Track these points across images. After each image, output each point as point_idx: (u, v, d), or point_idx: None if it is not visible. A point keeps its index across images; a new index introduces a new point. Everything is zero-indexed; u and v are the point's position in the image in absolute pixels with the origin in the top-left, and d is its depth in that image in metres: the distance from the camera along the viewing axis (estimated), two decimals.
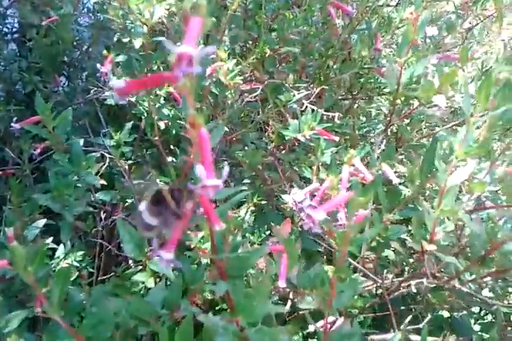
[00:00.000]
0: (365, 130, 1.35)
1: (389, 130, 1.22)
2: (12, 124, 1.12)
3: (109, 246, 1.20)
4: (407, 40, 0.95)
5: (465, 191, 0.95)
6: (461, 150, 0.63)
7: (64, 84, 1.70)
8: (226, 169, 0.51)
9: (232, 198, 0.67)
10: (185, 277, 0.84)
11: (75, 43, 1.87)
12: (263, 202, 1.36)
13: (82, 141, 1.13)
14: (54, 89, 1.69)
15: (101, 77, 1.20)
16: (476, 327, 1.38)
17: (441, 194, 0.73)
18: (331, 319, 1.01)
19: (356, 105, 1.37)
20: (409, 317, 1.08)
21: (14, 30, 2.01)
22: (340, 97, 1.33)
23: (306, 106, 1.05)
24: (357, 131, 1.30)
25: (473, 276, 0.95)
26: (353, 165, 0.90)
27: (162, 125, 1.38)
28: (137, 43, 1.27)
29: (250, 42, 1.25)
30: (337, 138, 1.03)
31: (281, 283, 0.79)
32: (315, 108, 1.02)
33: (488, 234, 0.78)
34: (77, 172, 1.09)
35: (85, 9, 1.74)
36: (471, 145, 0.63)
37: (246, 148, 1.27)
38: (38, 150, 1.30)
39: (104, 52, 1.21)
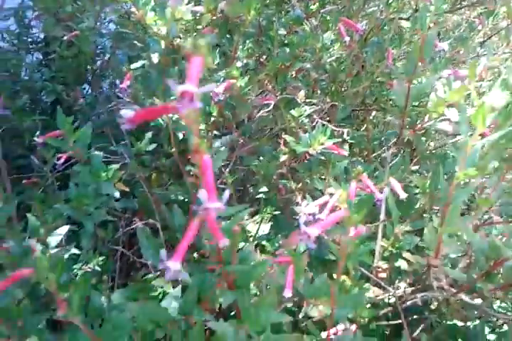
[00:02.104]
0: (379, 140, 1.37)
1: (402, 140, 1.24)
2: (35, 138, 1.18)
3: (128, 253, 1.25)
4: (415, 58, 0.98)
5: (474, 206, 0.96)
6: (461, 171, 0.65)
7: (87, 92, 1.76)
8: (226, 194, 0.55)
9: (240, 213, 0.71)
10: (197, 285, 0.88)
11: (98, 51, 1.94)
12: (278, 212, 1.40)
13: (102, 151, 1.18)
14: (76, 99, 1.75)
15: (120, 92, 1.25)
16: (491, 337, 1.38)
17: (443, 211, 0.75)
18: (341, 327, 1.04)
19: (371, 117, 1.39)
20: (422, 326, 1.10)
21: (38, 40, 2.09)
22: (354, 109, 1.36)
23: (317, 121, 1.08)
24: (372, 142, 1.32)
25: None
26: (360, 181, 0.93)
27: (180, 135, 1.42)
28: (155, 58, 1.32)
29: (264, 57, 1.29)
30: (346, 153, 1.06)
31: (287, 293, 0.82)
32: (325, 123, 1.05)
33: (492, 249, 0.80)
34: (97, 183, 1.14)
35: (107, 21, 1.80)
36: (471, 166, 0.66)
37: (261, 158, 1.30)
38: (62, 160, 1.35)
39: (124, 68, 1.26)
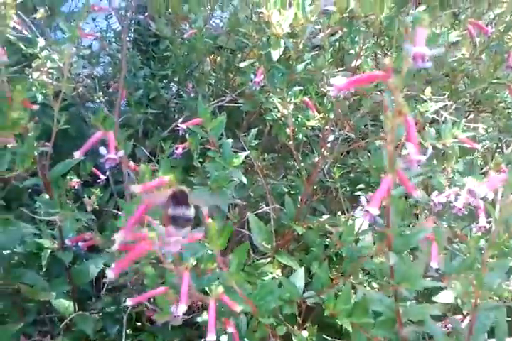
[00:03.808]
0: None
1: None
2: (178, 124, 1.28)
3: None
4: None
5: None
6: None
7: (193, 88, 1.86)
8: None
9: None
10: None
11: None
12: None
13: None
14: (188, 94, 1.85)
15: (253, 86, 1.34)
16: None
17: None
18: None
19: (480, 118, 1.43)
20: None
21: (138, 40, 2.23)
22: (467, 110, 1.40)
23: (442, 117, 1.13)
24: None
25: None
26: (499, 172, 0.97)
27: (288, 131, 1.50)
28: (275, 55, 1.39)
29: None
30: (478, 146, 1.10)
31: (434, 264, 0.87)
32: (453, 118, 1.10)
33: None
34: (227, 168, 1.22)
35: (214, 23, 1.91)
36: None
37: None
38: (180, 150, 1.44)
39: (256, 63, 1.35)
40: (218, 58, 1.88)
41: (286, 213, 1.37)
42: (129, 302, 0.73)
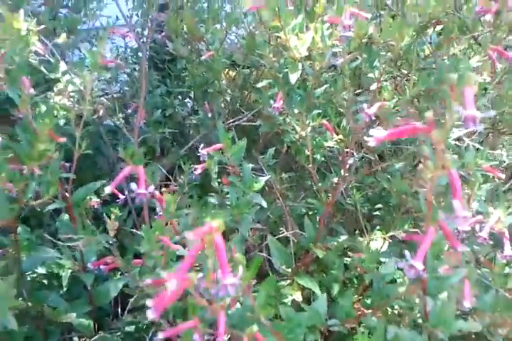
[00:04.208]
0: None
1: None
2: (200, 150, 1.29)
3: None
4: None
5: None
6: None
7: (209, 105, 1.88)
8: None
9: None
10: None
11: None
12: None
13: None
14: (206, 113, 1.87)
15: (273, 111, 1.35)
16: None
17: None
18: None
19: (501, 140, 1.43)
20: None
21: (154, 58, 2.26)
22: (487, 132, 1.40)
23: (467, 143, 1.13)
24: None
25: None
26: None
27: (307, 152, 1.51)
28: (293, 78, 1.40)
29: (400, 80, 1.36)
30: (503, 176, 1.10)
31: (467, 304, 0.87)
32: (477, 145, 1.10)
33: None
34: (248, 193, 1.23)
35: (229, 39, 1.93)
36: None
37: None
38: (199, 171, 1.46)
39: (275, 89, 1.36)
40: (233, 74, 1.90)
41: (306, 236, 1.38)
42: (160, 336, 0.74)
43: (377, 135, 0.65)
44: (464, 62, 1.16)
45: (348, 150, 1.37)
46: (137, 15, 2.11)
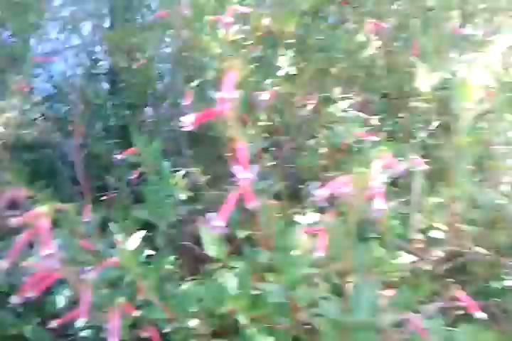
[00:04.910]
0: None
1: None
2: (114, 156, 1.37)
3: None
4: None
5: None
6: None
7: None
8: (255, 168, 0.68)
9: None
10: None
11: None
12: None
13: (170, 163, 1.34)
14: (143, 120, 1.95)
15: (184, 110, 1.42)
16: None
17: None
18: None
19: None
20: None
21: (105, 72, 2.35)
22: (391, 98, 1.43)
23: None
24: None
25: None
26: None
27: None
28: (210, 76, 1.47)
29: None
30: (376, 138, 1.12)
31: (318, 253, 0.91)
32: (360, 114, 1.15)
33: None
34: (167, 188, 1.30)
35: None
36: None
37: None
38: (135, 175, 1.53)
39: (187, 89, 1.45)
40: None
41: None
42: None
43: (187, 120, 0.72)
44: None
45: None
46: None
